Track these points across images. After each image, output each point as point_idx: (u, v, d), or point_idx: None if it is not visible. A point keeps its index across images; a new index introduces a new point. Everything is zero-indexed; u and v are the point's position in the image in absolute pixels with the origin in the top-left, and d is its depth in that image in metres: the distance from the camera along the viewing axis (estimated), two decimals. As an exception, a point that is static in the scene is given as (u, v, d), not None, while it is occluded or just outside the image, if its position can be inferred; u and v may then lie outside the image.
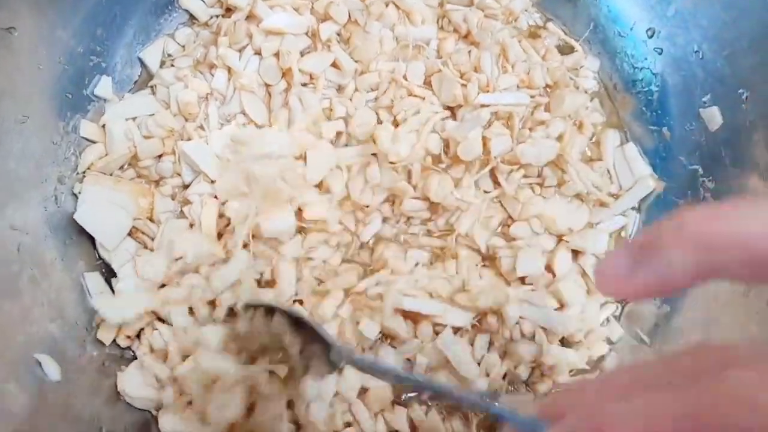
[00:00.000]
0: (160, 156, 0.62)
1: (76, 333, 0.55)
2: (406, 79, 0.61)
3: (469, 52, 0.63)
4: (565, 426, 0.25)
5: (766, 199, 0.23)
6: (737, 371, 0.21)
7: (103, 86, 0.61)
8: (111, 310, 0.56)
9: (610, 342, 0.61)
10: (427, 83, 0.62)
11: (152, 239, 0.59)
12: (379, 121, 0.61)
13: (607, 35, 0.66)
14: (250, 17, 0.64)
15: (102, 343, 0.57)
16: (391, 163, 0.57)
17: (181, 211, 0.61)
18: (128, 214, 0.59)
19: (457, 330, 0.58)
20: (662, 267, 0.24)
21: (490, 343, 0.58)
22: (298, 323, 0.48)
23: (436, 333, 0.57)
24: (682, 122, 0.63)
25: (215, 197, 0.60)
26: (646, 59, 0.65)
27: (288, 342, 0.48)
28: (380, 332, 0.56)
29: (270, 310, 0.50)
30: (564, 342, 0.59)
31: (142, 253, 0.59)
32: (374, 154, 0.59)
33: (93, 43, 0.60)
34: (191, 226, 0.60)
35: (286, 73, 0.62)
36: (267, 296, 0.55)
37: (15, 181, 0.53)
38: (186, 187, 0.61)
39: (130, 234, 0.60)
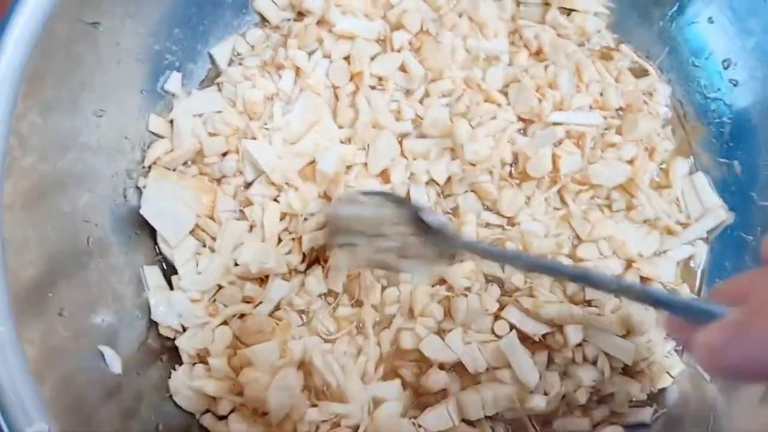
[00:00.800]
0: (224, 154, 0.62)
1: (135, 325, 0.56)
2: (482, 85, 0.60)
3: (546, 67, 0.62)
4: (752, 309, 0.23)
5: None
6: None
7: (173, 82, 0.62)
8: (165, 310, 0.57)
9: (670, 375, 0.59)
10: (503, 92, 0.62)
11: (213, 239, 0.59)
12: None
13: (681, 62, 0.65)
14: (321, 22, 0.64)
15: (162, 337, 0.57)
16: (471, 164, 0.57)
17: (242, 212, 0.61)
18: (191, 210, 0.59)
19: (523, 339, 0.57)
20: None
21: (550, 361, 0.57)
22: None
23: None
24: (755, 157, 0.61)
25: (276, 199, 0.60)
26: (719, 90, 0.63)
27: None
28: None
29: None
30: (626, 371, 0.58)
31: (202, 252, 0.60)
32: (451, 149, 0.59)
33: (169, 42, 0.60)
34: (251, 228, 0.60)
35: (354, 77, 0.62)
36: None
37: (90, 174, 0.53)
38: (248, 186, 0.61)
39: (191, 231, 0.60)
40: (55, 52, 0.48)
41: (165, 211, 0.58)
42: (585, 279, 0.43)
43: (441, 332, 0.57)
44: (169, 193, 0.59)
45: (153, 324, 0.57)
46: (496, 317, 0.57)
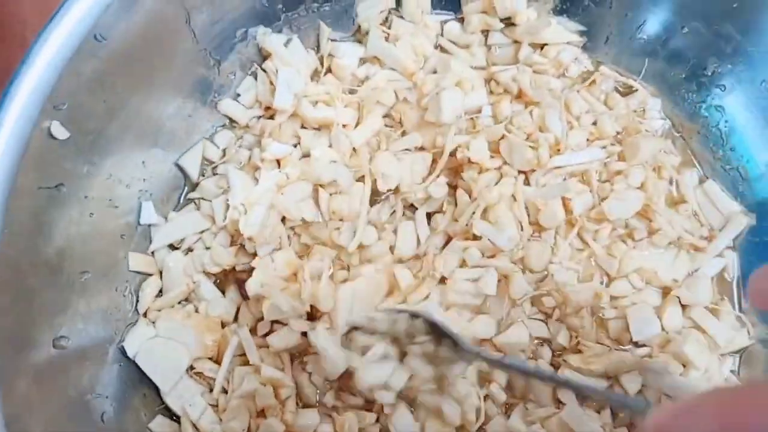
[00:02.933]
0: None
1: None
2: (472, 158, 0.57)
3: (531, 112, 0.59)
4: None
5: None
6: None
7: (147, 213, 0.57)
8: None
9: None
10: (494, 150, 0.59)
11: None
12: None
13: (663, 72, 0.63)
14: (293, 116, 0.60)
15: None
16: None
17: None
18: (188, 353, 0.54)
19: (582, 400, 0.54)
20: None
21: (614, 417, 0.54)
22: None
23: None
24: (761, 157, 0.59)
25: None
26: (708, 95, 0.61)
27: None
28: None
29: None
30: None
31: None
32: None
33: (137, 174, 0.56)
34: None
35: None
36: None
37: (89, 345, 0.49)
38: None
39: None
40: (23, 226, 0.43)
41: (159, 357, 0.53)
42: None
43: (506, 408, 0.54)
44: (164, 335, 0.54)
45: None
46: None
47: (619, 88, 0.64)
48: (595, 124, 0.60)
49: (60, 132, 0.45)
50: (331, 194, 0.58)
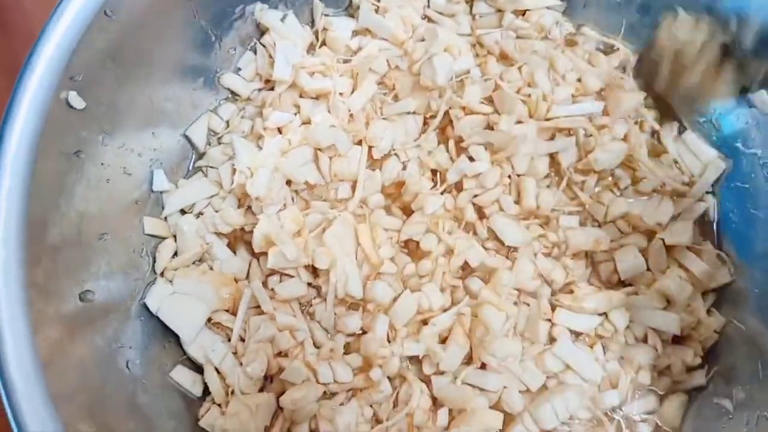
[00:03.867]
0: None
1: None
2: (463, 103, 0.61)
3: (519, 68, 0.63)
4: None
5: None
6: None
7: (159, 180, 0.61)
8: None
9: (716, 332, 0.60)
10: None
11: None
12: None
13: (641, 30, 0.66)
14: (292, 87, 0.64)
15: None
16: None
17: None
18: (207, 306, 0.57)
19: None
20: None
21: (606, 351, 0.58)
22: None
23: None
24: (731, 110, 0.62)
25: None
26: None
27: None
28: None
29: None
30: (675, 340, 0.59)
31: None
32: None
33: (149, 142, 0.59)
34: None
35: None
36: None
37: (111, 300, 0.52)
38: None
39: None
40: (47, 189, 0.47)
41: (179, 311, 0.57)
42: None
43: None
44: (182, 291, 0.58)
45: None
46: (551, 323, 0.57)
47: (600, 48, 0.67)
48: (579, 80, 0.63)
49: (77, 102, 0.49)
50: (330, 158, 0.61)
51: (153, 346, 0.55)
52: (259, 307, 0.57)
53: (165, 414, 0.53)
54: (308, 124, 0.62)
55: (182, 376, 0.56)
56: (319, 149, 0.61)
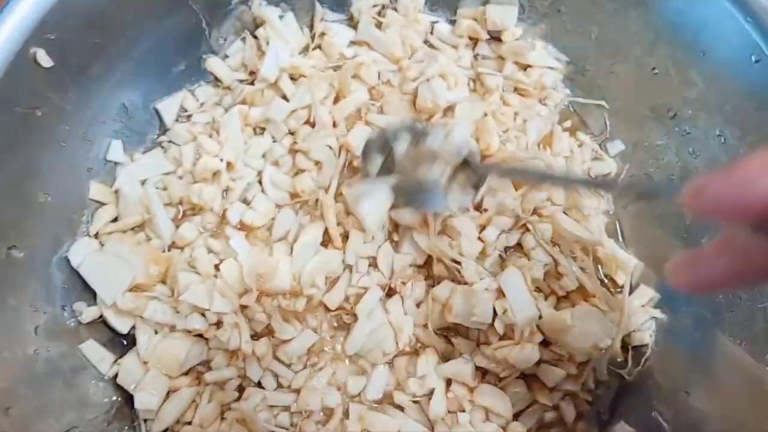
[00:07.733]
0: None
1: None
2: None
3: (515, 114, 0.64)
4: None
5: None
6: None
7: (115, 150, 0.60)
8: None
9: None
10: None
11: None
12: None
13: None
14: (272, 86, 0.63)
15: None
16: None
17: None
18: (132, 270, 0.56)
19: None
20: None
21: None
22: None
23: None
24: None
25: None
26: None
27: None
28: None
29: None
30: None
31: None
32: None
33: (117, 114, 0.59)
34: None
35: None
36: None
37: (37, 260, 0.52)
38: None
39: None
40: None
41: (103, 270, 0.55)
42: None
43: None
44: (111, 252, 0.57)
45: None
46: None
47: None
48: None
49: (45, 60, 0.48)
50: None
51: (67, 311, 0.55)
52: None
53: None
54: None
55: (94, 351, 0.55)
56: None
